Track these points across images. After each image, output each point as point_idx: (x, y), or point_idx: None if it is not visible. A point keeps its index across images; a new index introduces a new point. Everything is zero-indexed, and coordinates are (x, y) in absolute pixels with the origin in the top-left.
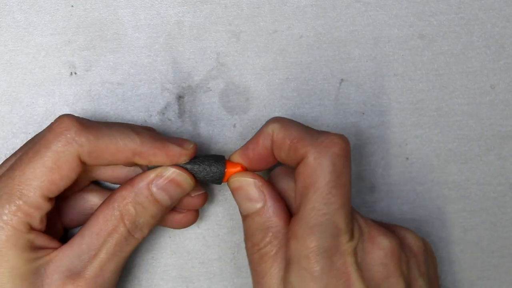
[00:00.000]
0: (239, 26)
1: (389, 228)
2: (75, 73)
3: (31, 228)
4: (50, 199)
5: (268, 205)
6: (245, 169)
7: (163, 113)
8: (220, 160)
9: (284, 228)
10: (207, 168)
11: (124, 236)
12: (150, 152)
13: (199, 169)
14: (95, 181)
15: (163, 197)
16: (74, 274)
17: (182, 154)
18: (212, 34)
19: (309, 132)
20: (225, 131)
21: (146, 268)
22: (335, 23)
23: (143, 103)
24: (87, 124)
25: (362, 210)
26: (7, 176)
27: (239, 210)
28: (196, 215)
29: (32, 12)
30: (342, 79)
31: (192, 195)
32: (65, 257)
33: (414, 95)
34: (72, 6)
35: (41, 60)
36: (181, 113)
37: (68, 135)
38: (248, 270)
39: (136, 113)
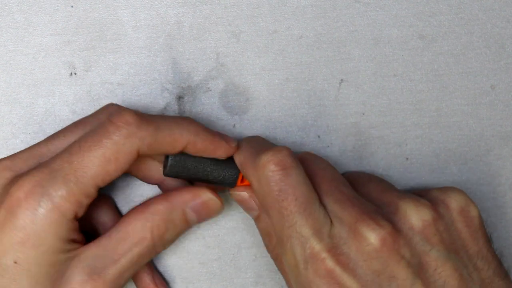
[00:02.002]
0: (239, 27)
1: (393, 204)
2: (75, 74)
3: (75, 217)
4: (99, 188)
5: (263, 212)
6: None
7: (163, 113)
8: (233, 164)
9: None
10: (222, 172)
11: (148, 249)
12: (202, 143)
13: (217, 170)
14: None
15: (193, 218)
16: (94, 274)
17: (227, 149)
18: (212, 34)
19: (253, 153)
20: (225, 131)
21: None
22: (335, 24)
23: (143, 104)
24: (146, 117)
25: None
26: (64, 160)
27: None
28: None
29: (32, 13)
30: (342, 80)
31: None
32: (90, 255)
33: (414, 95)
34: (72, 6)
35: (40, 61)
36: (181, 113)
37: (130, 129)
38: (248, 270)
39: None
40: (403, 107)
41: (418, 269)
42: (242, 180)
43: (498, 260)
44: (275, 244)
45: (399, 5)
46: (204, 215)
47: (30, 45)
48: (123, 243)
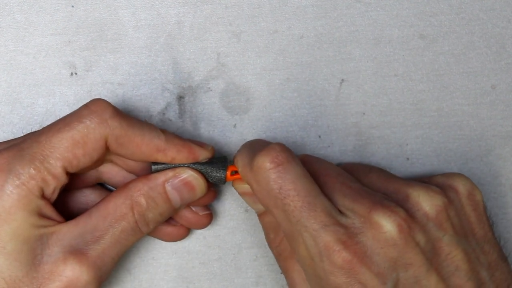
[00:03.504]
0: (240, 27)
1: (402, 192)
2: (76, 73)
3: (43, 195)
4: (67, 173)
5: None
6: None
7: (164, 113)
8: (223, 161)
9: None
10: (211, 169)
11: (131, 226)
12: (174, 149)
13: (206, 169)
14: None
15: (175, 197)
16: (76, 251)
17: (202, 153)
18: (213, 34)
19: (250, 155)
20: (226, 131)
21: (147, 268)
22: (335, 24)
23: (143, 103)
24: (121, 111)
25: None
26: (33, 139)
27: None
28: (187, 231)
29: (33, 13)
30: (342, 79)
31: (200, 213)
32: (69, 232)
33: (415, 95)
34: (73, 6)
35: (41, 61)
36: (181, 113)
37: (103, 115)
38: (248, 271)
39: (136, 113)
40: (404, 107)
41: (432, 255)
42: (232, 175)
43: (499, 244)
44: (280, 240)
45: (400, 5)
46: (187, 196)
47: (30, 45)
48: (104, 220)
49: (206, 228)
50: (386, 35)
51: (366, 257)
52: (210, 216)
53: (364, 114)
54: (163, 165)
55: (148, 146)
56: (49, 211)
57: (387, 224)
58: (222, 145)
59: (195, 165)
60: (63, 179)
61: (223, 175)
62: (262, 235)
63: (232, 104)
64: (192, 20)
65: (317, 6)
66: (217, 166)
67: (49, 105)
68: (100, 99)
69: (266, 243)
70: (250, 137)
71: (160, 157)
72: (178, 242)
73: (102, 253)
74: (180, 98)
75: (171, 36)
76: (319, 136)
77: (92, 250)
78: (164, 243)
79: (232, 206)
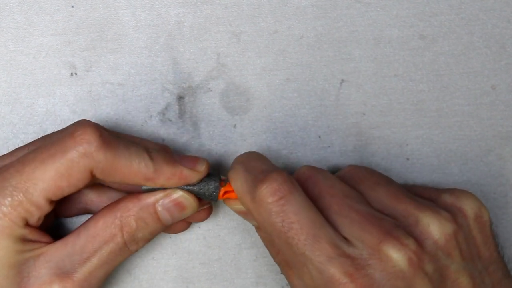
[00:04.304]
0: (240, 27)
1: (412, 216)
2: (76, 74)
3: (27, 224)
4: (51, 202)
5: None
6: None
7: (164, 114)
8: (215, 180)
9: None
10: (203, 188)
11: (120, 247)
12: (163, 178)
13: (197, 189)
14: None
15: (166, 217)
16: (62, 273)
17: (194, 176)
18: (213, 34)
19: (250, 184)
20: (226, 131)
21: (147, 268)
22: (335, 24)
23: (143, 104)
24: (108, 140)
25: None
26: (16, 169)
27: None
28: (188, 224)
29: (33, 13)
30: (342, 80)
31: (198, 209)
32: (57, 253)
33: (415, 95)
34: (73, 6)
35: (41, 61)
36: (181, 113)
37: (88, 149)
38: (248, 271)
39: (136, 114)
40: (404, 107)
41: (439, 282)
42: (226, 192)
43: (503, 260)
44: (277, 251)
45: (399, 5)
46: (178, 215)
47: (30, 45)
48: (93, 241)
49: (206, 229)
50: (386, 35)
51: None
52: (210, 209)
53: (364, 114)
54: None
55: (135, 176)
56: (35, 235)
57: (398, 258)
58: (222, 145)
59: (186, 187)
60: (47, 208)
61: (215, 194)
62: None
63: (232, 104)
64: (192, 21)
65: (317, 6)
66: (209, 185)
67: (49, 105)
68: (87, 125)
69: None
70: (250, 137)
71: (149, 184)
72: (178, 242)
73: (89, 275)
74: (180, 98)
75: (171, 36)
76: (319, 137)
77: (79, 273)
78: (164, 243)
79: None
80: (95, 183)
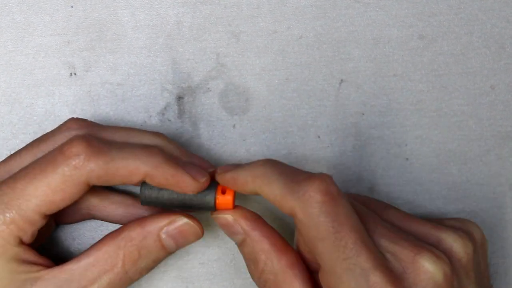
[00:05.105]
0: (239, 27)
1: (433, 235)
2: (75, 74)
3: (21, 242)
4: (46, 216)
5: (251, 236)
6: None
7: (163, 114)
8: (212, 189)
9: (276, 251)
10: (199, 197)
11: (120, 277)
12: (162, 177)
13: (195, 198)
14: None
15: (170, 244)
16: None
17: (192, 186)
18: (212, 34)
19: (290, 183)
20: (225, 131)
21: None
22: (334, 24)
23: (142, 104)
24: (98, 147)
25: None
26: (8, 185)
27: None
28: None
29: (32, 13)
30: (341, 80)
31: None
32: (55, 279)
33: (414, 95)
34: (72, 6)
35: (40, 61)
36: (180, 113)
37: (77, 160)
38: (247, 271)
39: (135, 114)
40: (403, 107)
41: None
42: (221, 202)
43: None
44: (261, 271)
45: (399, 5)
46: (182, 241)
47: (30, 45)
48: (93, 270)
49: (205, 229)
50: (385, 35)
51: None
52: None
53: (363, 114)
54: (153, 191)
55: (135, 175)
56: (31, 256)
57: (434, 270)
58: (221, 145)
59: (185, 195)
60: (41, 223)
61: (213, 201)
62: None
63: (231, 104)
64: (191, 21)
65: (316, 6)
66: (209, 191)
67: (49, 105)
68: (75, 138)
69: None
70: (249, 137)
71: (149, 181)
72: None
73: None
74: (180, 98)
75: (171, 36)
76: (318, 137)
77: None
78: None
79: None
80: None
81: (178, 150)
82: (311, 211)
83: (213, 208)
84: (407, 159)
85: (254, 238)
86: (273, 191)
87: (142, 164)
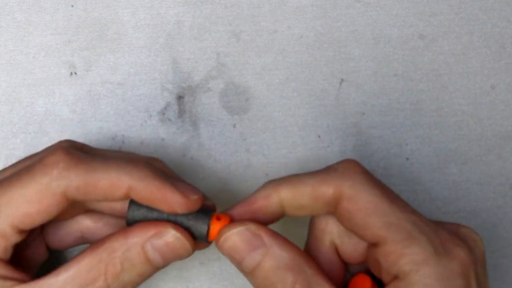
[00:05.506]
0: (239, 26)
1: (449, 228)
2: (75, 73)
3: None
4: (21, 231)
5: (273, 245)
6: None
7: (163, 113)
8: (207, 215)
9: (302, 256)
10: (190, 223)
11: None
12: (147, 191)
13: (186, 220)
14: None
15: (156, 259)
16: None
17: (181, 204)
18: (212, 34)
19: (319, 172)
20: (225, 131)
21: None
22: (335, 23)
23: (143, 103)
24: (79, 157)
25: None
26: None
27: (242, 271)
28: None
29: (32, 12)
30: (342, 79)
31: (194, 251)
32: None
33: (414, 95)
34: (72, 6)
35: (41, 60)
36: (181, 113)
37: (55, 170)
38: None
39: (136, 113)
40: (403, 107)
41: None
42: (215, 229)
43: None
44: (293, 281)
45: (399, 5)
46: (170, 257)
47: (30, 45)
48: (72, 284)
49: None
50: (386, 35)
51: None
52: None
53: (363, 114)
54: (141, 211)
55: (118, 187)
56: (5, 270)
57: (463, 255)
58: (221, 145)
59: (176, 217)
60: (15, 238)
61: (205, 232)
62: None
63: (231, 104)
64: (191, 20)
65: (316, 6)
66: (201, 218)
67: (49, 105)
68: (58, 149)
69: None
70: (249, 137)
71: (134, 197)
72: None
73: None
74: (180, 98)
75: (171, 36)
76: (319, 136)
77: None
78: None
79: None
80: (88, 209)
81: (171, 172)
82: (361, 180)
83: (205, 236)
84: (407, 158)
85: (279, 244)
86: (305, 184)
87: (125, 176)
